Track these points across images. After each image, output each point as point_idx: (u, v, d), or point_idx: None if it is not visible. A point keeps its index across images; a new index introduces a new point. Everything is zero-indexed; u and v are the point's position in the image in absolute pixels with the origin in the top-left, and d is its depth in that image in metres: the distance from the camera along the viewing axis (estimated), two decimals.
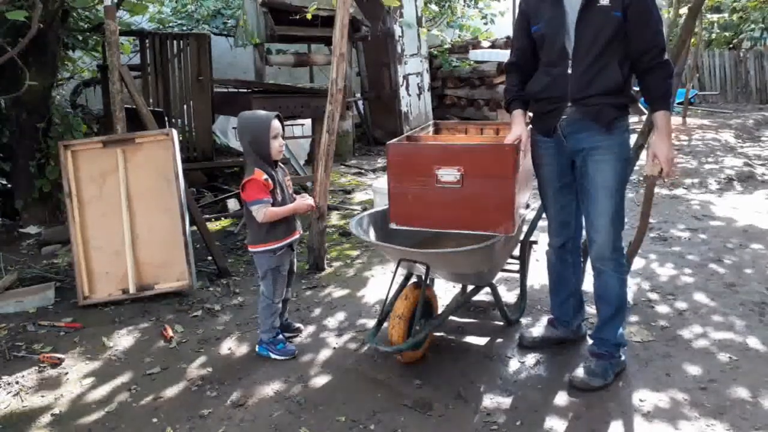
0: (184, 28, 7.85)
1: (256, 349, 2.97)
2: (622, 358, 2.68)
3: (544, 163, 2.72)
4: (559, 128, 2.57)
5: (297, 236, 2.97)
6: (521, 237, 3.18)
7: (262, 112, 2.86)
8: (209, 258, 4.14)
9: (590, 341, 2.75)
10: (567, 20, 2.47)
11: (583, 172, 2.57)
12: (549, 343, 2.93)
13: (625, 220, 2.61)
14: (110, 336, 3.20)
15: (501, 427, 2.34)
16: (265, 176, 2.78)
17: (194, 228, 4.00)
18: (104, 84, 5.69)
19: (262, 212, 2.75)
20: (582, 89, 2.48)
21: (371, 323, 3.18)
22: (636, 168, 3.59)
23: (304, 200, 2.94)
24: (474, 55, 10.16)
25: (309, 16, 5.24)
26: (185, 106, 5.97)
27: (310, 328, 3.23)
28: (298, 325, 3.19)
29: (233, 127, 6.83)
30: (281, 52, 8.28)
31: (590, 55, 2.44)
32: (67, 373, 2.84)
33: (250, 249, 2.92)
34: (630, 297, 3.45)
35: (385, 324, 2.86)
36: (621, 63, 2.44)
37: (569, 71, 2.49)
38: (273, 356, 2.91)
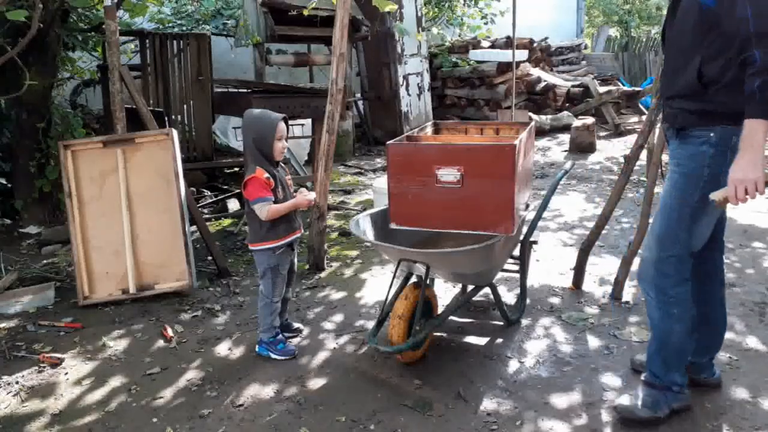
0: (184, 28, 7.85)
1: (256, 349, 2.97)
2: (684, 395, 2.34)
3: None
4: (664, 130, 2.33)
5: (298, 235, 2.97)
6: (521, 237, 3.18)
7: (271, 113, 2.85)
8: (209, 258, 4.14)
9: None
10: (670, 5, 2.18)
11: None
12: None
13: (689, 249, 2.19)
14: (110, 336, 3.20)
15: (501, 427, 2.34)
16: (267, 174, 2.78)
17: (194, 228, 4.00)
18: (104, 84, 5.69)
19: (266, 210, 2.75)
20: (667, 88, 2.18)
21: (371, 323, 3.18)
22: (636, 168, 3.59)
23: (304, 195, 2.93)
24: (474, 55, 10.18)
25: (305, 12, 5.22)
26: (185, 106, 5.97)
27: (310, 328, 3.23)
28: (297, 325, 3.19)
29: (233, 127, 6.85)
30: (281, 52, 8.28)
31: (674, 48, 2.12)
32: (67, 373, 2.84)
33: (250, 247, 2.92)
34: (630, 298, 3.46)
35: (385, 324, 2.87)
36: (707, 60, 2.00)
37: (663, 65, 2.22)
38: (273, 356, 2.91)
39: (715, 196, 2.01)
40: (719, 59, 1.98)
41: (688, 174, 2.12)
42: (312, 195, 2.97)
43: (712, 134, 2.05)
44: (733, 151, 1.98)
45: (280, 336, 2.97)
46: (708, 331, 2.40)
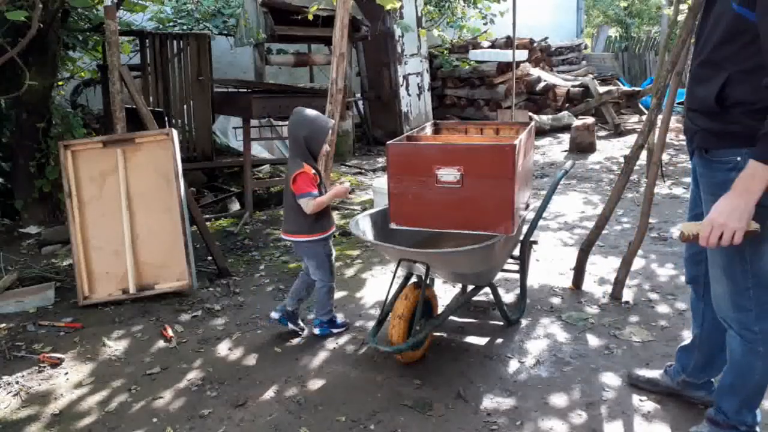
0: (185, 27, 7.85)
1: (316, 332, 3.10)
2: None
3: (691, 180, 2.20)
4: (687, 142, 2.08)
5: (334, 229, 3.11)
6: (521, 237, 3.18)
7: (324, 116, 3.00)
8: (209, 258, 4.14)
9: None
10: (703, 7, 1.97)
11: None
12: (655, 387, 2.51)
13: (765, 276, 1.93)
14: (110, 336, 3.20)
15: (501, 427, 2.34)
16: (314, 171, 2.91)
17: (194, 228, 4.00)
18: (104, 84, 5.70)
19: (311, 204, 2.86)
20: (688, 99, 1.98)
21: (371, 323, 3.18)
22: (636, 168, 3.59)
23: (341, 185, 3.09)
24: (474, 55, 10.18)
25: (310, 17, 5.24)
26: (185, 106, 5.98)
27: (310, 328, 3.23)
28: (301, 325, 3.19)
29: (233, 127, 6.85)
30: (281, 52, 8.28)
31: (700, 57, 1.90)
32: (67, 373, 2.84)
33: (302, 239, 2.97)
34: (630, 298, 3.46)
35: (385, 324, 2.87)
36: (736, 77, 1.76)
37: (688, 74, 2.00)
38: (335, 331, 3.11)
39: (686, 228, 1.82)
40: (753, 79, 1.72)
41: None
42: (347, 184, 3.15)
43: (739, 158, 1.79)
44: None
45: (333, 314, 3.14)
46: (707, 356, 2.30)
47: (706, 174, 1.94)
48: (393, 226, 2.76)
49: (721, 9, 1.80)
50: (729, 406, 2.08)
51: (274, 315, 3.13)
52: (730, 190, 1.72)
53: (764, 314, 1.95)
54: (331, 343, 3.06)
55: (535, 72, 10.42)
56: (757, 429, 2.10)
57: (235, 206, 5.72)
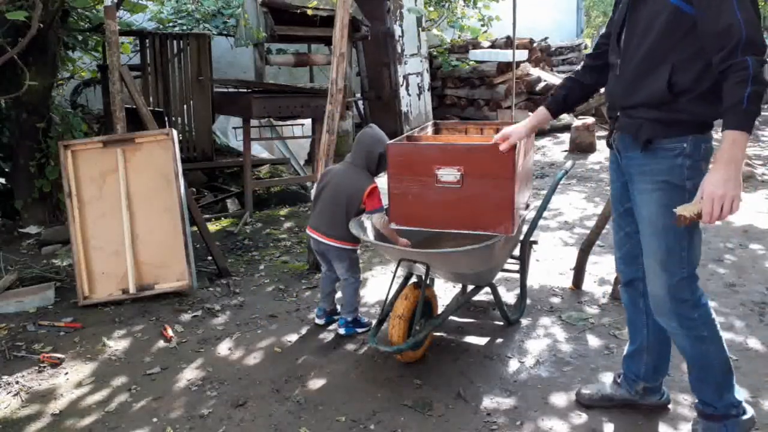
0: (185, 27, 7.85)
1: (342, 331, 3.11)
2: (746, 415, 2.14)
3: (611, 180, 2.31)
4: (613, 142, 2.18)
5: None
6: (521, 237, 3.18)
7: None
8: (209, 258, 4.14)
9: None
10: (628, 6, 2.04)
11: (633, 201, 2.13)
12: (610, 403, 2.43)
13: (693, 267, 2.04)
14: (110, 336, 3.20)
15: (501, 427, 2.35)
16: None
17: (194, 228, 4.00)
18: (104, 84, 5.70)
19: (385, 220, 2.86)
20: (627, 96, 2.04)
21: (371, 323, 3.18)
22: None
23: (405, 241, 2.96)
24: (474, 55, 10.17)
25: (309, 12, 5.24)
26: (185, 106, 5.98)
27: (310, 329, 3.23)
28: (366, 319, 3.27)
29: (233, 127, 6.85)
30: (281, 52, 8.29)
31: (638, 54, 1.97)
32: (67, 373, 2.84)
33: (343, 245, 3.03)
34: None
35: (385, 324, 2.87)
36: (679, 68, 1.89)
37: (618, 72, 2.08)
38: (359, 331, 3.13)
39: (685, 210, 1.82)
40: (694, 67, 1.88)
41: (671, 189, 1.97)
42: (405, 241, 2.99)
43: (685, 145, 1.94)
44: (705, 160, 1.95)
45: (358, 314, 3.18)
46: (658, 355, 2.33)
47: (650, 164, 2.01)
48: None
49: (655, 5, 1.91)
50: (710, 396, 2.13)
51: (319, 321, 3.27)
52: (716, 164, 1.79)
53: (698, 300, 2.06)
54: (331, 343, 3.06)
55: (535, 72, 10.42)
56: (745, 406, 2.15)
57: (235, 206, 5.72)
